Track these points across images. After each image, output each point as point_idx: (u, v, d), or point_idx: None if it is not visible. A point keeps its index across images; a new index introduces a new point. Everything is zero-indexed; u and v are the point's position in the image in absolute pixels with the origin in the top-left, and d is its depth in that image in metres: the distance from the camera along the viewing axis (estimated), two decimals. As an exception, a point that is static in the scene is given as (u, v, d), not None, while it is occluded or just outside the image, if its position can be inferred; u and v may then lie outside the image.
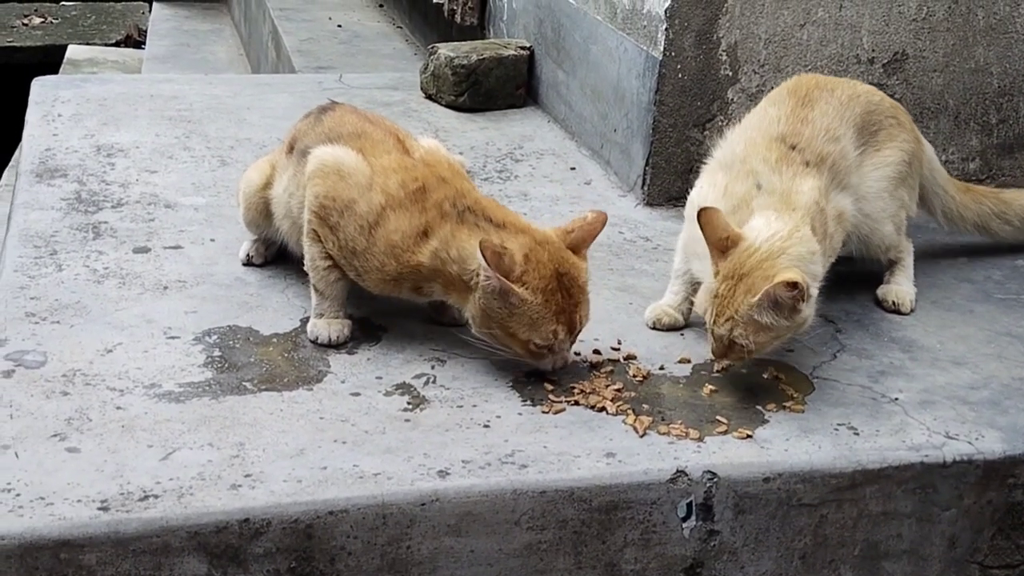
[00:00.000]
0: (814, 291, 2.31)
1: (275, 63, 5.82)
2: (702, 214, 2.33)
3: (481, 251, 2.25)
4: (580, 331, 2.34)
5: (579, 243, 2.34)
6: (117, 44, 9.24)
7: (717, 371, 2.41)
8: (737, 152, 2.59)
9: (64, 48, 8.33)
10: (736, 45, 3.24)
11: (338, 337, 2.46)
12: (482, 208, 2.38)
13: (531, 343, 2.28)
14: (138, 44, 9.14)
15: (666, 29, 3.19)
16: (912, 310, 2.76)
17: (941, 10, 3.32)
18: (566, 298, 2.28)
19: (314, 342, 2.46)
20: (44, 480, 1.95)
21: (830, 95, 2.67)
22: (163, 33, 7.77)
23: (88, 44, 8.91)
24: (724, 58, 3.25)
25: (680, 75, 3.24)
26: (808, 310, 2.30)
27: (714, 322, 2.31)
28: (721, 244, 2.32)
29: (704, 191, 2.58)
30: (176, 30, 7.86)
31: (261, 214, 2.72)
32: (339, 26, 5.88)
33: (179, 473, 2.00)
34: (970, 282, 2.96)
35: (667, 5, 3.17)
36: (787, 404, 2.33)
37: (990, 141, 3.46)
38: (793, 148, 2.55)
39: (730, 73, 3.26)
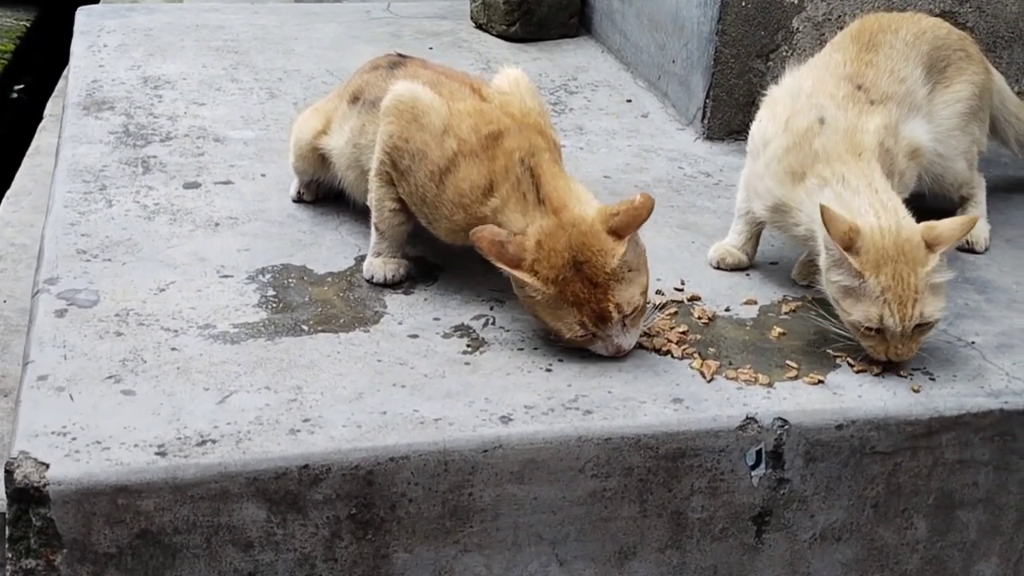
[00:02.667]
0: None
1: (319, -9, 5.70)
2: (823, 212, 2.15)
3: (476, 243, 2.15)
4: (627, 316, 2.14)
5: (622, 228, 2.15)
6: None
7: (786, 312, 2.34)
8: (804, 87, 2.48)
9: (106, -24, 8.23)
10: (802, -29, 3.11)
11: (394, 276, 2.39)
12: (540, 173, 2.22)
13: (562, 331, 2.15)
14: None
15: (730, -45, 3.07)
16: (986, 248, 2.67)
17: (1019, -67, 3.17)
18: (587, 287, 2.11)
19: (369, 281, 2.40)
20: (100, 423, 1.91)
21: (894, 36, 2.56)
22: (205, -39, 7.65)
23: (129, -28, 8.82)
24: (790, -15, 3.12)
25: (743, 3, 3.12)
26: None
27: (902, 319, 2.10)
28: (847, 239, 2.13)
29: (764, 125, 2.48)
30: (218, -43, 7.74)
31: (313, 164, 2.65)
32: (384, -47, 5.74)
33: (236, 417, 1.95)
34: (1046, 220, 2.86)
35: (731, -71, 3.05)
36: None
37: (1066, 72, 3.33)
38: (859, 88, 2.45)
39: (796, 1, 3.14)
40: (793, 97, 2.46)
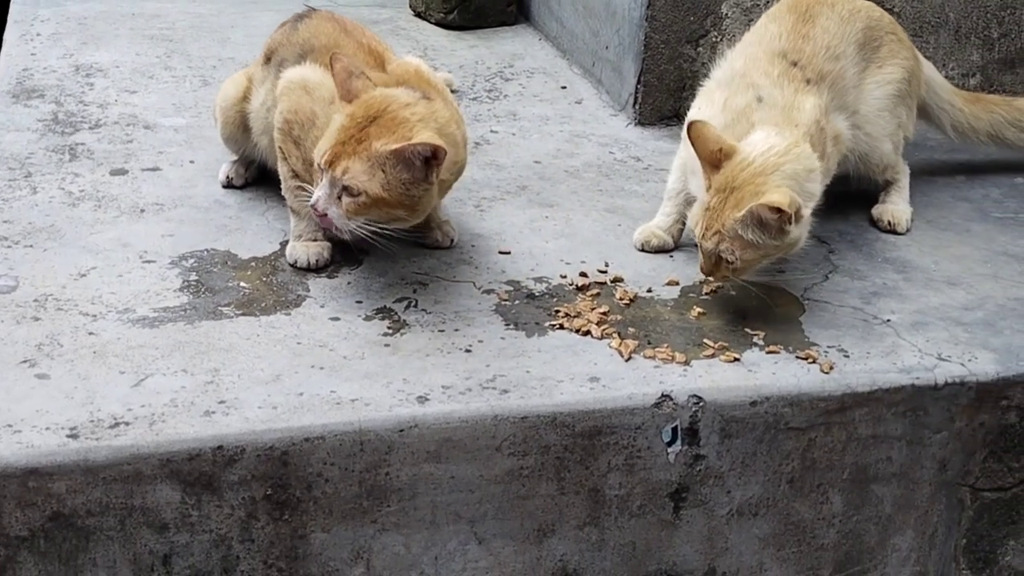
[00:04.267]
0: (806, 211, 2.24)
1: (264, -19, 5.68)
2: (692, 127, 2.26)
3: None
4: (345, 189, 2.17)
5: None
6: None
7: (707, 293, 2.37)
8: (736, 67, 2.51)
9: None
10: (730, -43, 3.14)
11: (317, 260, 2.40)
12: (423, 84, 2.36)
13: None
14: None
15: (658, -59, 3.09)
16: (908, 230, 2.70)
17: (943, -81, 3.21)
18: (354, 139, 2.17)
19: (293, 265, 2.40)
20: (12, 407, 1.90)
21: (830, 10, 2.59)
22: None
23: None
24: (718, -29, 3.15)
25: (672, -11, 3.14)
26: (798, 231, 2.23)
27: (703, 236, 2.24)
28: (713, 157, 2.25)
29: (702, 109, 2.51)
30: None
31: (239, 129, 2.66)
32: (329, -58, 5.73)
33: (151, 400, 1.95)
34: (968, 201, 2.89)
35: (659, -85, 3.07)
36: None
37: (991, 56, 3.37)
38: (795, 64, 2.48)
39: (724, -14, 3.16)
40: (728, 82, 2.50)
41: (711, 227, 2.23)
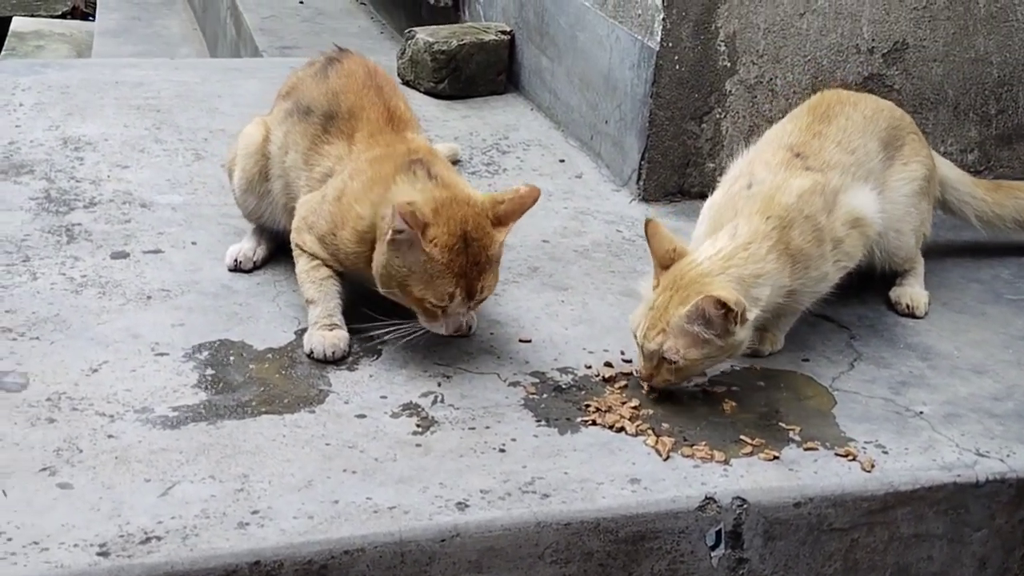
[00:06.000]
0: (751, 315, 2.21)
1: (235, 41, 5.62)
2: (648, 225, 2.31)
3: (399, 214, 2.18)
4: (481, 300, 2.27)
5: (507, 216, 2.27)
6: (64, 16, 8.93)
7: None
8: (746, 160, 2.57)
9: (8, 20, 8.04)
10: (735, 35, 3.12)
11: (334, 352, 2.32)
12: (431, 162, 2.33)
13: (426, 301, 2.21)
14: (85, 15, 8.85)
15: (663, 19, 3.07)
16: (926, 313, 2.68)
17: (943, -1, 3.23)
18: (470, 263, 2.21)
19: (310, 356, 2.33)
20: (36, 521, 1.81)
21: (853, 109, 2.63)
22: (112, 6, 7.50)
23: (33, 16, 8.61)
24: (722, 48, 3.13)
25: (677, 66, 3.12)
26: (743, 333, 2.21)
27: (645, 336, 2.21)
28: (667, 257, 2.27)
29: (714, 195, 2.53)
30: (126, 2, 7.59)
31: (260, 178, 2.64)
32: (301, 2, 5.70)
33: (181, 511, 1.86)
34: (979, 282, 2.88)
35: (665, -6, 3.05)
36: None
37: (989, 132, 3.39)
38: (798, 155, 2.50)
39: (728, 64, 3.15)
40: (737, 173, 2.54)
41: (655, 326, 2.19)
